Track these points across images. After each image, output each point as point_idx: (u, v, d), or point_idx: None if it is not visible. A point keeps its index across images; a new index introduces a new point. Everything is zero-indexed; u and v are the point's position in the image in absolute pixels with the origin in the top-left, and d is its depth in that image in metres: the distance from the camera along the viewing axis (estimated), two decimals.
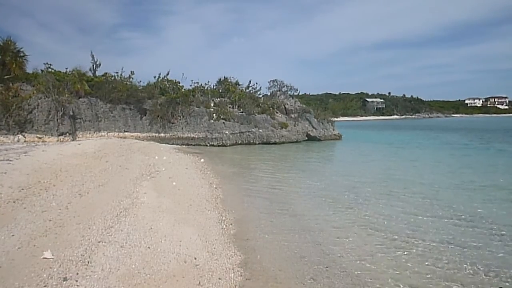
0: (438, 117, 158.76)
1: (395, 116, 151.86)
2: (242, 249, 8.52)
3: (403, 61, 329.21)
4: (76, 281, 6.39)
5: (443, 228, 10.42)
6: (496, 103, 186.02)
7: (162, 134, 35.35)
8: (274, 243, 9.19)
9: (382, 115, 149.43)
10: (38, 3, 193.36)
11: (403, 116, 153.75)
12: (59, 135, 29.63)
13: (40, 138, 28.60)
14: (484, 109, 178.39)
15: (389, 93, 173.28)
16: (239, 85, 43.81)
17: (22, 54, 31.91)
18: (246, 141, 36.98)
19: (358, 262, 8.14)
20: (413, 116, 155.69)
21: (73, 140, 30.00)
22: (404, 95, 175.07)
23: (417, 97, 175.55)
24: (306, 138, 40.79)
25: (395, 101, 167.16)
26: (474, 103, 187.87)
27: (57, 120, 29.92)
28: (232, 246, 8.63)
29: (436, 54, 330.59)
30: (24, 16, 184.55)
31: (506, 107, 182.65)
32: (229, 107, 39.18)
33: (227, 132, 36.45)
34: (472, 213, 11.86)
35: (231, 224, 10.41)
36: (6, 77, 29.25)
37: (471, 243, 9.25)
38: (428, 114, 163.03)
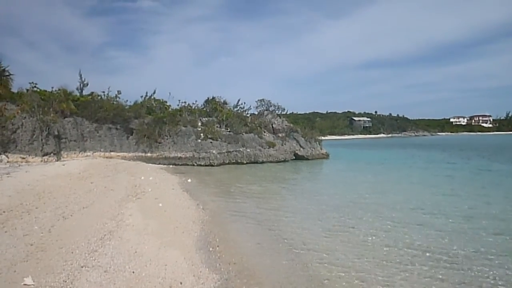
0: (424, 135, 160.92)
1: (382, 135, 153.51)
2: (228, 273, 8.38)
3: (389, 80, 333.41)
4: None
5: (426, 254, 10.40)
6: (480, 121, 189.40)
7: (149, 154, 35.07)
8: (261, 266, 9.07)
9: (369, 134, 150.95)
10: (24, 22, 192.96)
11: (390, 135, 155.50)
12: (43, 155, 29.18)
13: (23, 158, 28.13)
14: (468, 127, 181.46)
15: (376, 112, 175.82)
16: (226, 104, 43.94)
17: (7, 73, 31.69)
18: (234, 161, 36.86)
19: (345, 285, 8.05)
20: (400, 135, 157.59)
21: (57, 161, 29.57)
22: (390, 113, 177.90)
23: (403, 115, 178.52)
24: (294, 157, 40.81)
25: (382, 119, 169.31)
26: (459, 121, 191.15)
27: (41, 140, 29.52)
28: (218, 270, 8.48)
29: (420, 73, 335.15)
30: (10, 35, 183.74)
31: (490, 125, 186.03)
32: (217, 127, 39.14)
33: (214, 151, 36.33)
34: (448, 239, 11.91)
35: (217, 246, 10.26)
36: None
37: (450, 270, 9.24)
38: (414, 133, 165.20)
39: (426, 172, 29.48)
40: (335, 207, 15.94)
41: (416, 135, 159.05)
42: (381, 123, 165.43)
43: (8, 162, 27.01)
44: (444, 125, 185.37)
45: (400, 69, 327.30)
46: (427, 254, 9.96)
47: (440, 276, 8.51)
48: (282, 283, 8.14)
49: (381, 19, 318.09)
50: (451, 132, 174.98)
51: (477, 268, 8.91)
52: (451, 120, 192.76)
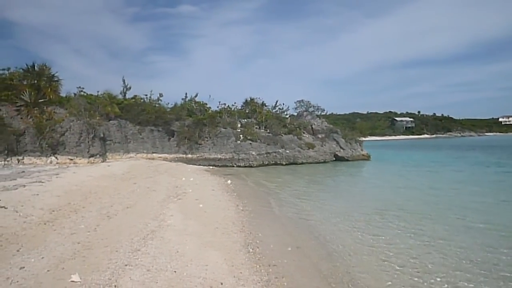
0: (471, 136, 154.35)
1: (426, 136, 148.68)
2: (269, 275, 8.31)
3: (432, 79, 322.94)
4: None
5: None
6: None
7: (189, 155, 35.69)
8: (301, 269, 8.95)
9: (411, 135, 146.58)
10: (71, 30, 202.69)
11: (434, 135, 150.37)
12: (89, 157, 30.32)
13: (71, 159, 29.35)
14: None
15: (419, 112, 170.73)
16: (265, 105, 44.01)
17: (56, 79, 33.17)
18: (273, 162, 36.88)
19: None
20: (444, 135, 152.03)
21: (103, 162, 30.63)
22: (434, 113, 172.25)
23: (448, 115, 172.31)
24: (334, 159, 40.31)
25: (425, 120, 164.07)
26: (509, 121, 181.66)
27: (88, 142, 30.69)
28: (258, 272, 8.44)
29: (466, 71, 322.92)
30: (58, 43, 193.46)
31: None
32: (256, 128, 39.29)
33: (253, 153, 36.46)
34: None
35: (257, 248, 10.22)
36: (40, 101, 30.35)
37: None
38: (460, 133, 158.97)
39: (473, 177, 27.64)
40: (377, 213, 15.38)
41: (462, 136, 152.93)
42: (425, 124, 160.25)
43: (57, 163, 28.27)
44: (492, 125, 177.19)
45: (444, 67, 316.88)
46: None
47: None
48: (323, 286, 8.00)
49: (423, 16, 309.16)
50: (499, 132, 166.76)
51: None
52: (500, 119, 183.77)
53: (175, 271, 7.91)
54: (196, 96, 40.69)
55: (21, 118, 29.25)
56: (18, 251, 8.69)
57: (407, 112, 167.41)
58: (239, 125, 39.02)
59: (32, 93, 29.91)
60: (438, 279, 8.39)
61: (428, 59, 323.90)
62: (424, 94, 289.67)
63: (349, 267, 9.19)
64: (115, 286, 7.02)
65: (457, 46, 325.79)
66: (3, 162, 26.53)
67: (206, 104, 40.42)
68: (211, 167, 33.65)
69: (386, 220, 13.91)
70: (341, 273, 8.78)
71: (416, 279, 8.45)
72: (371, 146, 54.48)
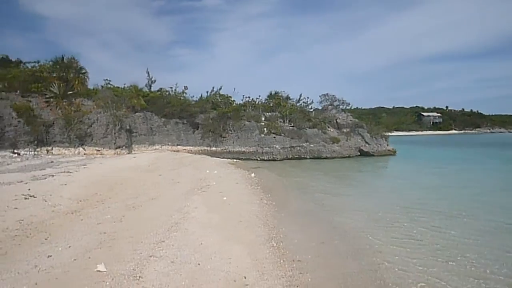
0: (501, 132, 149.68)
1: (454, 131, 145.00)
2: (292, 270, 8.20)
3: (461, 74, 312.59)
4: None
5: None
6: None
7: (214, 148, 35.83)
8: (325, 265, 8.79)
9: (439, 130, 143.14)
10: (98, 24, 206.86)
11: (462, 131, 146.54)
12: (116, 148, 30.85)
13: (98, 151, 29.94)
14: None
15: (447, 107, 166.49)
16: (289, 99, 43.69)
17: (84, 71, 33.84)
18: (297, 156, 36.65)
19: None
20: (473, 131, 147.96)
21: (128, 153, 31.11)
22: (463, 109, 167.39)
23: (477, 111, 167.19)
24: (359, 154, 39.72)
25: (453, 115, 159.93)
26: None
27: (114, 133, 31.22)
28: (282, 266, 8.34)
29: (495, 66, 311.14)
30: (86, 36, 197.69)
31: None
32: (280, 122, 39.09)
33: (277, 146, 36.32)
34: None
35: (281, 242, 10.11)
36: (69, 93, 31.02)
37: None
38: (489, 129, 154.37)
39: (506, 176, 26.34)
40: (403, 211, 14.80)
41: (491, 132, 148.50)
42: (452, 119, 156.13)
43: (85, 154, 28.90)
44: None
45: (473, 62, 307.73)
46: None
47: None
48: (348, 283, 7.84)
49: (452, 9, 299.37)
50: None
51: None
52: None
53: (198, 264, 7.90)
54: (220, 89, 40.81)
55: (50, 109, 30.01)
56: (46, 239, 8.88)
57: (434, 107, 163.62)
58: (263, 119, 38.91)
59: (61, 85, 30.61)
60: (469, 285, 8.07)
61: (457, 53, 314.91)
62: (453, 89, 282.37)
63: (374, 265, 8.96)
64: (139, 276, 7.07)
65: (488, 40, 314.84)
66: (33, 152, 27.27)
67: (231, 97, 40.49)
68: (235, 160, 33.67)
69: (412, 219, 13.42)
70: (367, 271, 8.58)
71: (443, 282, 8.17)
72: (397, 142, 53.36)
